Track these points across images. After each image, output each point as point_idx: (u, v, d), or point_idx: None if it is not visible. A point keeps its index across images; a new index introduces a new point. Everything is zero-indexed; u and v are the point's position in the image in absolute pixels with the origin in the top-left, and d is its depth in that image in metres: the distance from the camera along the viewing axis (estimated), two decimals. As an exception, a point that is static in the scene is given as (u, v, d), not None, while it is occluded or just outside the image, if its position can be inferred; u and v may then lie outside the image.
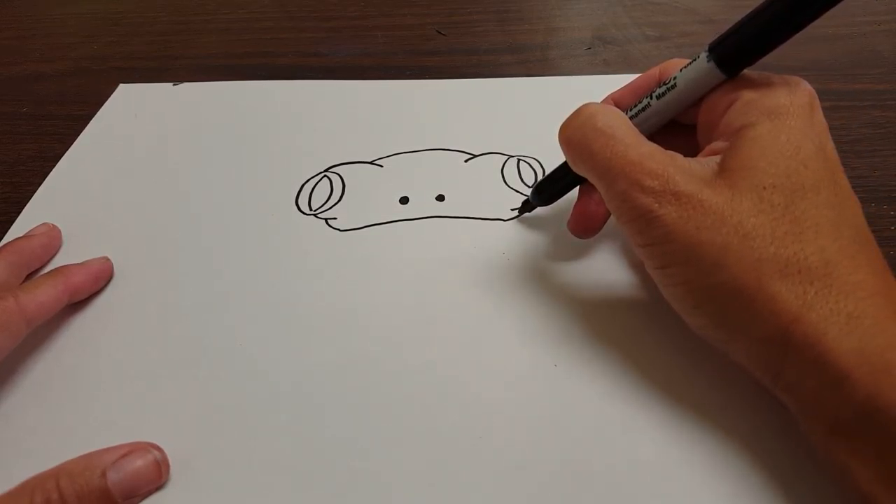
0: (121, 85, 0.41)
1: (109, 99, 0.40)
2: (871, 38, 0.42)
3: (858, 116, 0.35)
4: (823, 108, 0.21)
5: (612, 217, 0.26)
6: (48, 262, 0.29)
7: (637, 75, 0.26)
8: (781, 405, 0.20)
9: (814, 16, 0.19)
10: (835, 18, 0.43)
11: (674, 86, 0.22)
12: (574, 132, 0.22)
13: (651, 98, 0.23)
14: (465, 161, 0.33)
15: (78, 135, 0.37)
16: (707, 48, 0.21)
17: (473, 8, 0.49)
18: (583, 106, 0.23)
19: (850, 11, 0.45)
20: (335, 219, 0.30)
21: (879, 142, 0.33)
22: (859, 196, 0.20)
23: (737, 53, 0.21)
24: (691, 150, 0.22)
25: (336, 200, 0.31)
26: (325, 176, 0.33)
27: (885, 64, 0.40)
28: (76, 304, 0.27)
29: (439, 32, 0.46)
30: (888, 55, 0.40)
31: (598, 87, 0.29)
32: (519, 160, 0.33)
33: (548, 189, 0.28)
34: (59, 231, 0.30)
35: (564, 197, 0.28)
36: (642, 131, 0.22)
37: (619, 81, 0.27)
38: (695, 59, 0.22)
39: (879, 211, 0.30)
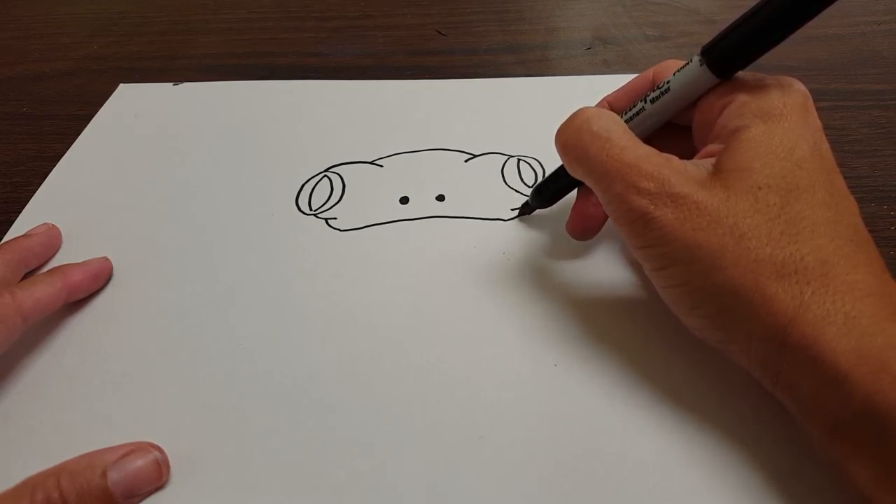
0: (121, 85, 0.41)
1: (109, 99, 0.40)
2: (871, 38, 0.42)
3: (858, 116, 0.35)
4: (823, 109, 0.21)
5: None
6: (47, 261, 0.29)
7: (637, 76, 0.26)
8: (781, 405, 0.20)
9: (805, 19, 0.19)
10: (835, 18, 0.44)
11: (667, 90, 0.22)
12: (570, 136, 0.22)
13: (645, 102, 0.23)
14: (465, 161, 0.33)
15: (78, 135, 0.37)
16: (700, 51, 0.21)
17: (473, 8, 0.49)
18: (578, 110, 0.23)
19: (850, 11, 0.45)
20: (335, 219, 0.30)
21: (879, 142, 0.33)
22: (859, 196, 0.20)
23: (729, 56, 0.21)
24: (688, 151, 0.22)
25: (336, 200, 0.31)
26: (325, 176, 0.33)
27: (885, 64, 0.40)
28: (76, 303, 0.27)
29: (439, 32, 0.46)
30: (888, 55, 0.40)
31: (597, 87, 0.29)
32: (519, 160, 0.33)
33: (547, 190, 0.28)
34: (59, 231, 0.30)
35: (564, 197, 0.28)
36: (638, 134, 0.22)
37: (618, 81, 0.27)
38: (688, 63, 0.22)
39: (879, 211, 0.30)
